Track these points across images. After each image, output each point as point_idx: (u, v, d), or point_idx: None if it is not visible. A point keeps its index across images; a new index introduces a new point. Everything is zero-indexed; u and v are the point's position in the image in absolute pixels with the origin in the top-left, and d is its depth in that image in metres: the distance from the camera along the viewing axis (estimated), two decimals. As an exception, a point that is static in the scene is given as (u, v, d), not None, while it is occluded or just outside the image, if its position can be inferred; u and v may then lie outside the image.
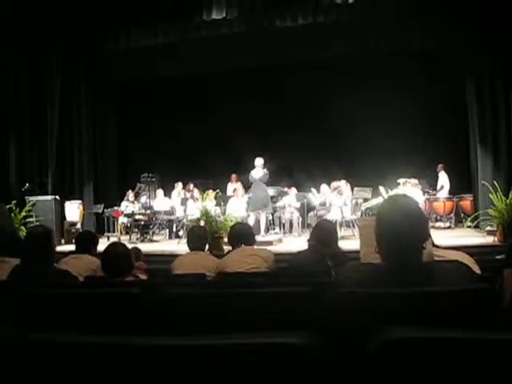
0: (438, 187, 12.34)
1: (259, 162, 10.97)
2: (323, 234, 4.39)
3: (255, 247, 4.55)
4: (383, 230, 2.03)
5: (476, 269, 3.09)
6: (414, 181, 11.66)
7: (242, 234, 4.55)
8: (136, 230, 12.24)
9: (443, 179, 12.32)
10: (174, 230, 12.49)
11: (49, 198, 11.52)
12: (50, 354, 1.02)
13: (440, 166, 12.42)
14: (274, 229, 12.35)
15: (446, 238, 9.05)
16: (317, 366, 0.93)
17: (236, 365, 0.95)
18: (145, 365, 0.98)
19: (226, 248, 8.44)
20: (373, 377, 0.97)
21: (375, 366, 0.97)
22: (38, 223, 9.99)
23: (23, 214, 10.86)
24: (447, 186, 12.23)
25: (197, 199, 11.82)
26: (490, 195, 9.41)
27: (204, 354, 0.96)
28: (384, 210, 2.11)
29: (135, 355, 0.98)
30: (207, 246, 5.42)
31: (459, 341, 0.93)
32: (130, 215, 12.15)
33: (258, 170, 10.94)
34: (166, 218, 12.48)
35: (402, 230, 1.96)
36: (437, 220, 11.96)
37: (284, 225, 12.13)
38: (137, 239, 11.75)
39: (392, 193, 10.01)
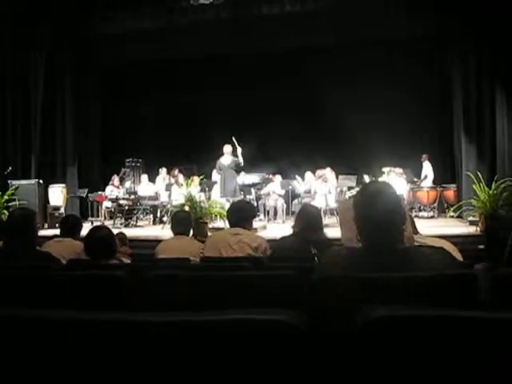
0: (422, 177, 12.43)
1: (228, 149, 10.96)
2: (308, 219, 4.36)
3: (249, 232, 4.42)
4: (360, 215, 2.06)
5: (458, 256, 3.13)
6: (399, 170, 11.72)
7: (239, 212, 4.41)
8: (120, 214, 12.19)
9: (427, 169, 12.40)
10: (159, 215, 12.46)
11: (32, 181, 11.43)
12: (37, 331, 1.03)
13: (424, 155, 12.50)
14: (258, 216, 12.37)
15: (429, 227, 9.10)
16: (300, 342, 0.95)
17: (218, 340, 0.97)
18: (131, 341, 0.99)
19: (209, 235, 8.45)
20: (356, 354, 0.99)
21: (358, 343, 0.98)
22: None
23: (5, 197, 10.76)
24: (431, 176, 12.33)
25: (181, 185, 11.80)
26: (474, 186, 9.50)
27: (188, 329, 0.97)
28: (360, 196, 2.13)
29: (121, 331, 0.99)
30: (191, 232, 5.42)
31: (439, 318, 0.95)
32: (114, 200, 12.10)
33: (227, 157, 10.93)
34: (151, 203, 12.45)
35: (378, 214, 1.98)
36: (420, 210, 12.04)
37: (268, 212, 12.15)
38: (121, 224, 11.71)
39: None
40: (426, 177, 12.38)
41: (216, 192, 11.33)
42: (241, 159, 10.84)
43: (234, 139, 10.88)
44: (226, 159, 10.90)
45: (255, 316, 0.97)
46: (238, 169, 11.02)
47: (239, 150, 10.85)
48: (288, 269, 2.41)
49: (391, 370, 0.97)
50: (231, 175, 10.88)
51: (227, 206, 9.94)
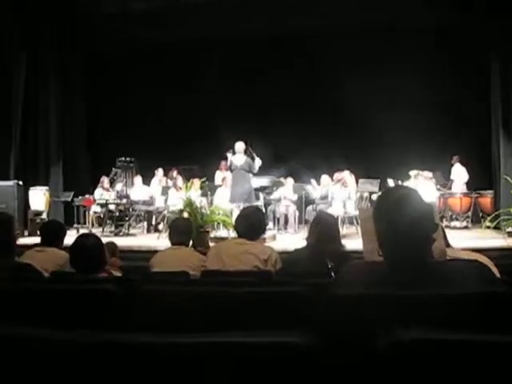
0: (451, 180, 12.37)
1: (240, 146, 10.71)
2: (324, 229, 4.36)
3: (257, 243, 4.42)
4: (382, 226, 2.04)
5: (495, 272, 3.11)
6: (428, 173, 11.67)
7: (248, 220, 4.42)
8: (110, 221, 12.20)
9: (458, 172, 12.33)
10: (154, 222, 12.47)
11: (11, 183, 11.46)
12: (18, 349, 1.03)
13: (455, 157, 12.43)
14: (266, 224, 12.33)
15: (462, 239, 9.07)
16: (318, 366, 0.94)
17: (220, 366, 0.96)
18: (122, 362, 0.98)
19: (213, 245, 8.45)
20: (379, 378, 0.98)
21: (380, 368, 0.97)
22: (-3, 211, 9.93)
23: (-20, 200, 10.80)
24: (463, 180, 12.27)
25: (180, 188, 11.80)
26: (513, 192, 9.45)
27: (186, 353, 0.96)
28: (381, 203, 2.11)
29: (111, 352, 0.98)
30: (191, 242, 5.42)
31: (476, 343, 0.94)
32: (104, 204, 12.12)
33: (239, 156, 10.74)
34: (145, 208, 12.47)
35: (403, 224, 1.95)
36: (452, 219, 11.98)
37: (278, 220, 12.13)
38: (110, 232, 11.72)
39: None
40: (453, 181, 12.32)
41: (219, 196, 11.32)
42: (256, 167, 10.72)
43: (250, 149, 10.80)
44: (239, 159, 10.69)
45: (262, 338, 0.96)
46: (251, 171, 10.79)
47: (258, 161, 10.76)
48: (301, 285, 2.40)
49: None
50: (243, 177, 10.67)
51: (236, 213, 9.92)
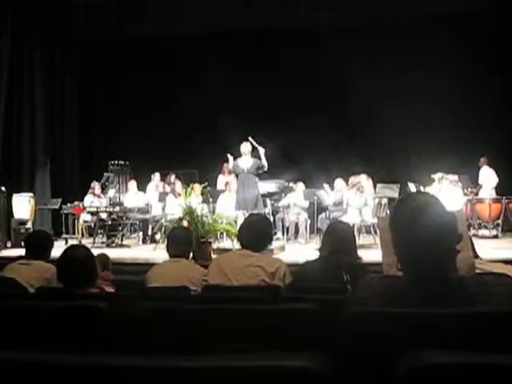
0: (479, 185, 12.32)
1: (246, 148, 10.65)
2: (338, 239, 4.34)
3: (263, 254, 4.42)
4: (400, 238, 2.03)
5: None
6: (453, 177, 11.63)
7: (253, 230, 4.40)
8: (102, 231, 12.21)
9: (486, 175, 12.29)
10: (150, 232, 12.47)
11: (-9, 188, 11.49)
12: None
13: (483, 159, 12.40)
14: (275, 233, 12.32)
15: (491, 249, 9.05)
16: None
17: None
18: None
19: (214, 257, 8.45)
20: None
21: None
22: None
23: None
24: (492, 184, 12.22)
25: (179, 194, 11.81)
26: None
27: (185, 378, 0.96)
28: (397, 213, 2.10)
29: (100, 378, 0.98)
30: (191, 254, 5.42)
31: (508, 368, 0.94)
32: (95, 212, 12.13)
33: (246, 158, 10.66)
34: (140, 216, 12.46)
35: (424, 236, 1.94)
36: (480, 227, 11.94)
37: (288, 229, 12.12)
38: (102, 243, 11.73)
39: (425, 191, 9.97)
40: (481, 186, 12.28)
41: (222, 203, 11.31)
42: (264, 162, 10.58)
43: (251, 139, 10.65)
44: (245, 161, 10.61)
45: (267, 362, 0.96)
46: (260, 174, 10.68)
47: (261, 150, 10.61)
48: (312, 301, 2.39)
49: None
50: (251, 182, 10.58)
51: (241, 221, 9.83)
